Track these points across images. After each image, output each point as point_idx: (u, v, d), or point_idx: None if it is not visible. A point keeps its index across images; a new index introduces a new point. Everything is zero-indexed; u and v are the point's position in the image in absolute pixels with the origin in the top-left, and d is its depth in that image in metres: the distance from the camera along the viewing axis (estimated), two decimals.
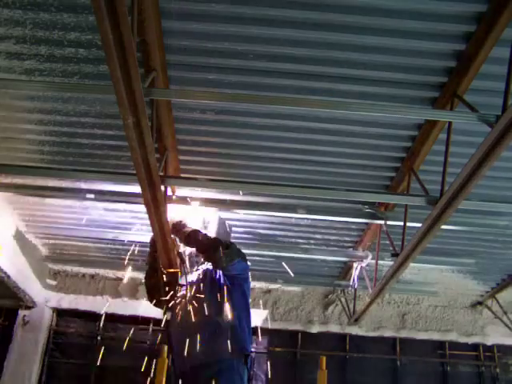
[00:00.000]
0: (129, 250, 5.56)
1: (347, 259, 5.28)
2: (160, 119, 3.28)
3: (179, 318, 3.23)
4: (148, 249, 3.62)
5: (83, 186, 4.27)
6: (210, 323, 3.05)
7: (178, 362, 3.13)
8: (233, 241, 3.72)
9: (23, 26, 2.79)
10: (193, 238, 3.38)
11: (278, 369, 6.02)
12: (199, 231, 3.41)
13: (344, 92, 3.16)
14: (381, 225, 4.44)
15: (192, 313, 3.18)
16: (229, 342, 2.97)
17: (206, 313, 3.10)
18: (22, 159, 3.95)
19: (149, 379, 4.73)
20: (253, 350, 3.26)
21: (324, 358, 4.93)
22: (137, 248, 5.49)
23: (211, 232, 3.56)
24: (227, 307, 3.09)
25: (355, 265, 5.30)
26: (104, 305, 6.09)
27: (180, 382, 3.00)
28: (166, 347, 4.75)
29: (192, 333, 3.04)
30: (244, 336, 3.05)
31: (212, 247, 3.19)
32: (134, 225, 4.93)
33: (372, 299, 5.00)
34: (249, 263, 3.39)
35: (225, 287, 3.17)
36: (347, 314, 6.07)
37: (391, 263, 4.36)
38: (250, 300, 3.35)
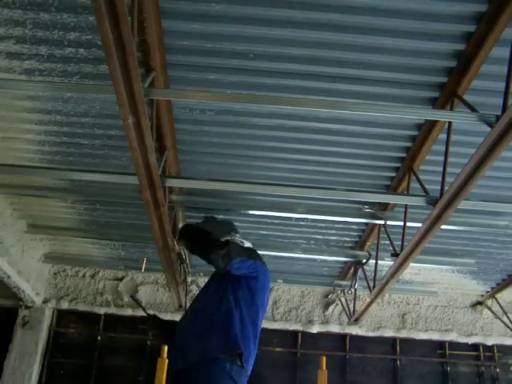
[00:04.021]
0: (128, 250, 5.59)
1: (347, 259, 5.27)
2: (160, 119, 3.28)
3: (182, 317, 3.18)
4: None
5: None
6: (206, 321, 2.92)
7: (171, 362, 3.05)
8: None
9: (23, 26, 2.78)
10: (195, 244, 3.36)
11: (278, 369, 6.03)
12: (201, 235, 3.38)
13: (344, 92, 3.16)
14: (381, 225, 4.44)
15: (192, 312, 3.14)
16: (221, 339, 2.81)
17: (204, 311, 3.00)
18: (22, 159, 3.95)
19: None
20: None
21: (324, 358, 4.93)
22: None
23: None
24: (227, 305, 2.96)
25: (355, 265, 5.31)
26: (104, 305, 6.09)
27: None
28: (165, 347, 4.76)
29: (188, 332, 2.95)
30: (241, 334, 2.87)
31: (207, 250, 3.11)
32: None
33: (372, 299, 5.00)
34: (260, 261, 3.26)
35: (230, 285, 3.06)
36: (347, 314, 6.06)
37: (391, 263, 4.36)
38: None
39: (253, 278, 3.14)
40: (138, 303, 3.71)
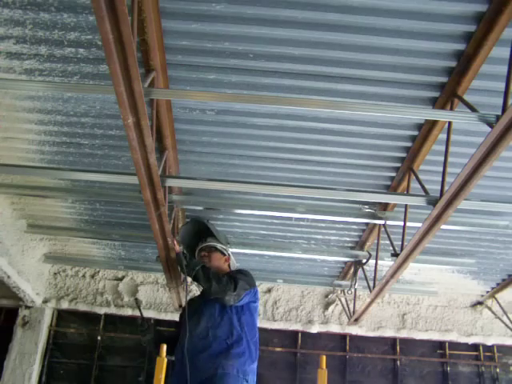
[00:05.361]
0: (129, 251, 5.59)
1: (347, 259, 5.28)
2: (160, 119, 3.28)
3: (188, 335, 3.26)
4: None
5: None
6: (220, 345, 3.15)
7: (176, 378, 3.20)
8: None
9: (23, 26, 2.79)
10: (199, 277, 3.42)
11: (278, 369, 6.03)
12: (204, 269, 3.46)
13: (344, 92, 3.16)
14: (381, 225, 4.44)
15: (201, 333, 3.25)
16: (235, 363, 3.08)
17: (217, 335, 3.21)
18: (21, 159, 3.95)
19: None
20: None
21: (324, 357, 4.92)
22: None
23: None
24: (237, 331, 3.22)
25: (355, 265, 5.31)
26: (104, 305, 6.09)
27: None
28: (164, 346, 4.75)
29: (201, 352, 3.15)
30: (249, 359, 3.14)
31: (218, 292, 3.30)
32: None
33: (372, 299, 5.00)
34: (256, 288, 3.55)
35: (234, 311, 3.32)
36: (347, 314, 6.06)
37: (391, 263, 4.35)
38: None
39: (253, 301, 3.45)
40: (138, 306, 3.81)
